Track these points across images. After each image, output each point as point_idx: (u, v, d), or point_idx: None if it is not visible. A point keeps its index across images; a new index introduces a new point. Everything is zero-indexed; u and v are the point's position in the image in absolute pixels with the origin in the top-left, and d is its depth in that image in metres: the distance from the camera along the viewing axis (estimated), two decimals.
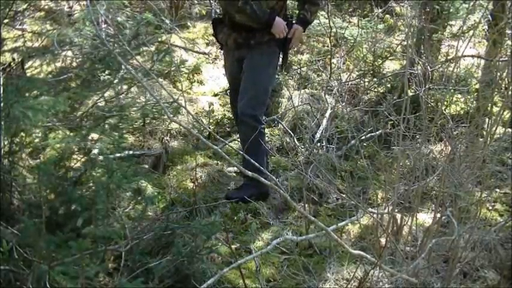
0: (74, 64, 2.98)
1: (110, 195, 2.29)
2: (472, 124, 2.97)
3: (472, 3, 4.47)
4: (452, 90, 4.46)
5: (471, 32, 4.87)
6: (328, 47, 5.41)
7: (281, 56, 3.70)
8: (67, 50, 3.04)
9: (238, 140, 4.13)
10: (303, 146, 4.15)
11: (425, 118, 2.81)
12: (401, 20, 5.88)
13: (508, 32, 3.98)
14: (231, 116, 4.71)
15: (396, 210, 2.91)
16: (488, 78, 3.86)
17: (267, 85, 3.61)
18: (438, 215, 2.77)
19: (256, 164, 2.70)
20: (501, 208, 3.60)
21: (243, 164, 3.32)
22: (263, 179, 2.51)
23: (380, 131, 4.03)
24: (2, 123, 2.27)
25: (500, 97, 3.92)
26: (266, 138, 3.91)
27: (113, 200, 2.46)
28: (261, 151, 3.51)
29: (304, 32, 3.82)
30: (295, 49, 5.42)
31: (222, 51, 4.08)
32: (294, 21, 3.64)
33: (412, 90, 3.85)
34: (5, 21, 2.71)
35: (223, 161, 4.03)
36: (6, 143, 2.47)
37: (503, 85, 3.50)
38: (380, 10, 6.02)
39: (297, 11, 3.78)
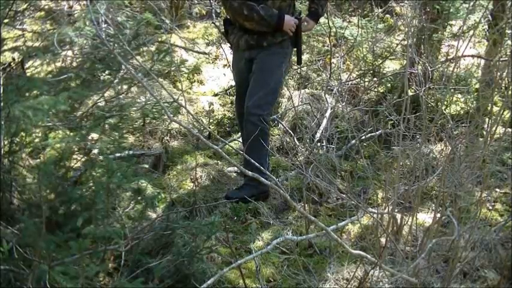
0: (74, 64, 2.97)
1: (110, 195, 2.29)
2: (472, 124, 2.96)
3: (472, 3, 4.47)
4: (452, 90, 4.47)
5: (471, 32, 4.88)
6: (328, 46, 5.41)
7: (295, 52, 3.68)
8: (67, 50, 3.03)
9: (239, 140, 4.12)
10: (303, 146, 4.15)
11: (425, 118, 2.81)
12: (401, 20, 5.88)
13: (508, 32, 3.97)
14: (231, 116, 4.72)
15: (396, 210, 2.91)
16: (488, 78, 3.87)
17: (276, 86, 3.60)
18: (438, 215, 2.77)
19: (257, 164, 2.70)
20: (501, 208, 3.60)
21: (243, 164, 3.32)
22: (263, 179, 2.51)
23: (380, 131, 4.03)
24: (2, 123, 2.27)
25: (500, 97, 3.92)
26: None
27: (112, 200, 2.46)
28: (264, 152, 3.51)
29: (316, 24, 3.83)
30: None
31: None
32: (303, 16, 3.64)
33: (412, 90, 3.85)
34: (5, 21, 2.70)
35: (223, 161, 4.03)
36: (6, 143, 2.47)
37: (503, 85, 3.50)
38: (380, 10, 6.02)
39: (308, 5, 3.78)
